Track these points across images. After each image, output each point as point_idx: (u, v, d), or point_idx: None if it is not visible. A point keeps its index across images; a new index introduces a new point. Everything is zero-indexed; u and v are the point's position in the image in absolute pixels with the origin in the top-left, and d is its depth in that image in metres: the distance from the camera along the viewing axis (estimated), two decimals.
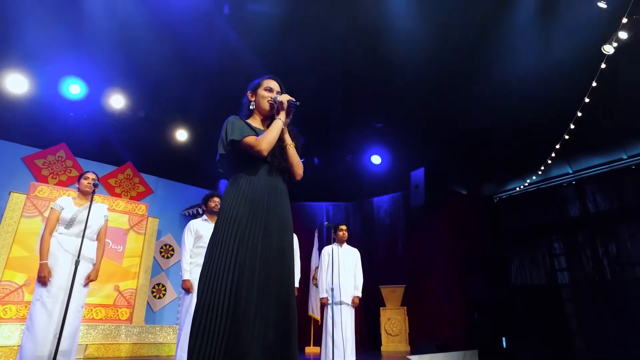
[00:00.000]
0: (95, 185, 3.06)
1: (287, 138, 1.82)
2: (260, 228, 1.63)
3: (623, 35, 3.81)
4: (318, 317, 6.36)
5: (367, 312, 6.86)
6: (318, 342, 5.97)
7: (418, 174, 6.64)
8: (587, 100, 4.47)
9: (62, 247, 2.99)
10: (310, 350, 6.39)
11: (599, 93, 4.34)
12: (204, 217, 3.80)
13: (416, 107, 5.67)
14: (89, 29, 4.27)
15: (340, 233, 4.34)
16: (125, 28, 4.33)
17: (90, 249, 3.15)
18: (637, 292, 5.07)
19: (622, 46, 3.84)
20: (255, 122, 1.88)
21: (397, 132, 6.48)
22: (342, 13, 4.29)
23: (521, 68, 4.55)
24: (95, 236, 3.25)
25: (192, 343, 1.45)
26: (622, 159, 5.55)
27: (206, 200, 3.83)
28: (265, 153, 1.69)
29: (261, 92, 1.88)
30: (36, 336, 2.73)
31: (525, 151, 5.85)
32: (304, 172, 1.86)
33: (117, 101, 5.45)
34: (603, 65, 4.01)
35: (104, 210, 3.36)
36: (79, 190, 3.25)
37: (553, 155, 5.58)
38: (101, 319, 5.23)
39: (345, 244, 4.37)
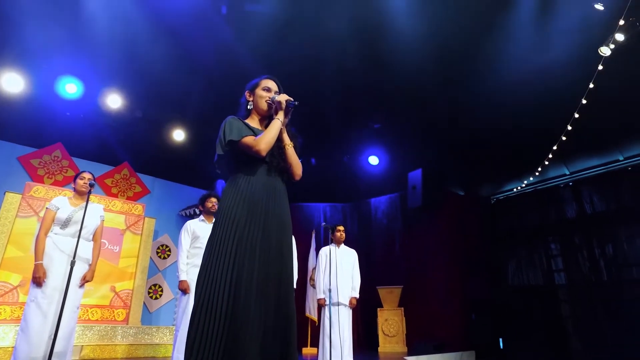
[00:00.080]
0: (91, 185, 3.04)
1: (286, 138, 1.81)
2: (259, 229, 1.62)
3: (620, 37, 3.83)
4: (315, 318, 6.35)
5: (364, 312, 6.86)
6: (315, 343, 5.95)
7: (415, 175, 6.64)
8: (584, 101, 4.48)
9: (58, 247, 2.97)
10: (308, 351, 6.38)
11: (595, 94, 4.36)
12: (201, 217, 3.79)
13: (414, 108, 5.67)
14: (86, 28, 4.25)
15: (338, 234, 4.34)
16: (123, 27, 4.31)
17: (86, 250, 3.12)
18: (633, 293, 5.08)
19: (619, 48, 3.86)
20: (254, 122, 1.87)
21: (394, 132, 6.48)
22: (340, 13, 4.28)
23: (519, 69, 4.56)
24: (91, 236, 3.22)
25: (190, 344, 1.44)
26: (618, 161, 5.57)
27: (203, 200, 3.82)
28: (264, 153, 1.68)
29: (259, 92, 1.87)
30: (31, 337, 2.71)
31: (523, 152, 5.87)
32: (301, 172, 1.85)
33: (114, 101, 5.43)
34: (600, 67, 4.02)
35: (100, 211, 3.34)
36: (74, 190, 3.23)
37: (550, 156, 5.60)
38: (97, 320, 5.20)
39: (342, 244, 4.37)
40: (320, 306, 4.12)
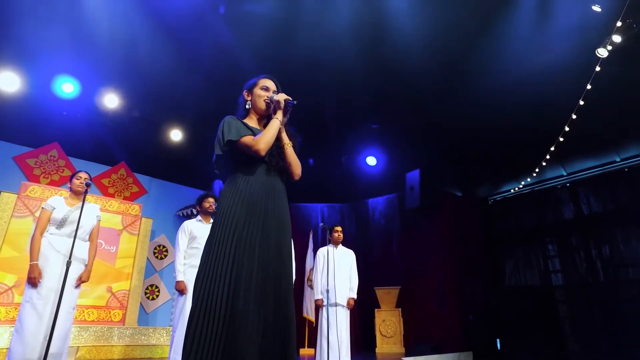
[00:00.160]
0: (87, 185, 3.01)
1: (285, 137, 1.80)
2: (258, 229, 1.61)
3: (617, 38, 3.84)
4: (313, 318, 6.34)
5: (361, 313, 6.85)
6: (312, 344, 5.94)
7: (413, 176, 6.65)
8: (581, 102, 4.50)
9: (53, 247, 2.95)
10: (305, 352, 6.36)
11: (593, 96, 4.37)
12: (199, 217, 3.77)
13: (412, 108, 5.68)
14: (83, 27, 4.22)
15: (336, 234, 4.33)
16: (121, 27, 4.29)
17: (82, 250, 3.10)
18: (629, 294, 5.10)
19: (616, 49, 3.87)
20: (252, 121, 1.86)
21: (392, 133, 6.48)
22: (338, 14, 4.28)
23: (516, 70, 4.57)
24: (87, 236, 3.20)
25: (188, 346, 1.43)
26: (615, 162, 5.59)
27: (200, 200, 3.80)
28: (263, 153, 1.67)
29: (257, 91, 1.86)
30: (25, 339, 2.68)
31: (520, 153, 5.88)
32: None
33: (111, 100, 5.40)
34: (598, 68, 4.03)
35: (96, 211, 3.32)
36: (71, 190, 3.21)
37: (547, 157, 5.61)
38: (93, 321, 5.17)
39: (340, 245, 4.36)
40: (318, 307, 4.11)
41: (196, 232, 3.63)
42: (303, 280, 6.66)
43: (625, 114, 4.77)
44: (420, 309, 6.37)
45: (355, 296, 4.18)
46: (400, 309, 6.36)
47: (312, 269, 6.36)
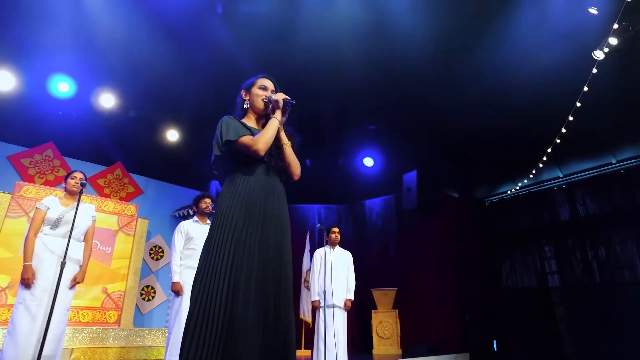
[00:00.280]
0: (82, 185, 2.98)
1: (284, 137, 1.79)
2: (257, 230, 1.59)
3: (613, 41, 3.86)
4: (309, 319, 6.32)
5: (358, 314, 6.84)
6: (309, 345, 5.92)
7: (410, 177, 6.65)
8: (578, 104, 4.51)
9: (48, 248, 2.92)
10: (301, 353, 6.34)
11: (589, 97, 4.39)
12: (195, 218, 3.75)
13: (409, 110, 5.68)
14: (79, 26, 4.19)
15: (333, 235, 4.32)
16: (117, 26, 4.26)
17: (76, 250, 3.07)
18: (625, 296, 5.12)
19: (613, 51, 3.89)
20: (250, 121, 1.85)
21: (389, 134, 6.48)
22: (336, 15, 4.27)
23: (513, 72, 4.58)
24: (82, 237, 3.17)
25: (185, 349, 1.40)
26: (611, 164, 5.62)
27: (197, 201, 3.78)
28: (262, 153, 1.65)
29: (255, 90, 1.85)
30: (18, 341, 2.65)
31: (517, 155, 5.90)
32: None
33: (107, 100, 5.36)
34: (594, 70, 4.05)
35: (92, 211, 3.29)
36: (65, 190, 3.17)
37: (544, 159, 5.63)
38: (88, 322, 5.12)
39: (337, 246, 4.35)
40: (315, 308, 4.09)
41: (192, 232, 3.61)
42: (300, 281, 6.64)
43: (621, 116, 4.80)
44: (417, 311, 6.36)
45: (352, 297, 4.17)
46: (397, 310, 6.35)
47: (308, 270, 6.34)
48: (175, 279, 3.46)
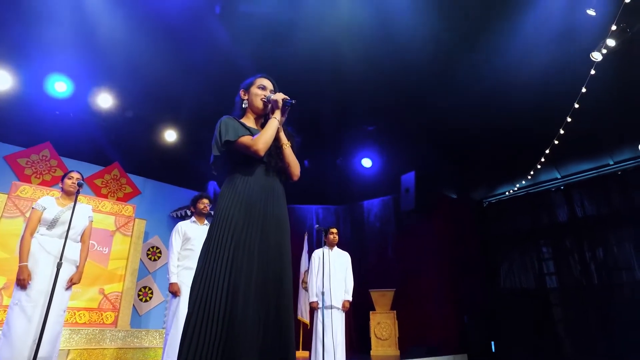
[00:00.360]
0: (79, 185, 2.96)
1: (283, 137, 1.78)
2: (256, 231, 1.58)
3: (611, 42, 3.87)
4: (307, 321, 6.31)
5: (356, 316, 6.82)
6: (307, 347, 5.90)
7: (409, 178, 6.65)
8: (576, 105, 4.52)
9: (44, 248, 2.89)
10: (299, 354, 6.32)
11: (588, 99, 4.40)
12: (193, 218, 3.73)
13: (408, 110, 5.68)
14: (77, 25, 4.17)
15: (331, 236, 4.31)
16: (115, 26, 4.24)
17: (73, 251, 3.05)
18: (623, 297, 5.13)
19: (611, 53, 3.90)
20: (249, 121, 1.84)
21: (388, 135, 6.48)
22: (334, 15, 4.27)
23: (512, 73, 4.59)
24: (79, 237, 3.15)
25: (185, 349, 1.38)
26: (608, 165, 5.63)
27: (195, 201, 3.77)
28: (261, 153, 1.64)
29: (254, 90, 1.83)
30: (13, 342, 2.62)
31: (515, 156, 5.91)
32: None
33: (104, 100, 5.34)
34: (592, 72, 4.06)
35: (89, 211, 3.27)
36: (62, 190, 3.15)
37: (542, 160, 5.64)
38: (85, 323, 5.09)
39: (335, 247, 4.34)
40: (313, 309, 4.08)
41: (190, 233, 3.59)
42: (297, 282, 6.63)
43: (619, 117, 4.81)
44: (415, 312, 6.35)
45: (350, 298, 4.16)
46: (395, 311, 6.34)
47: (306, 271, 6.33)
48: (173, 279, 3.44)
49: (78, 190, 2.93)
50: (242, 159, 1.69)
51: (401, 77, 4.96)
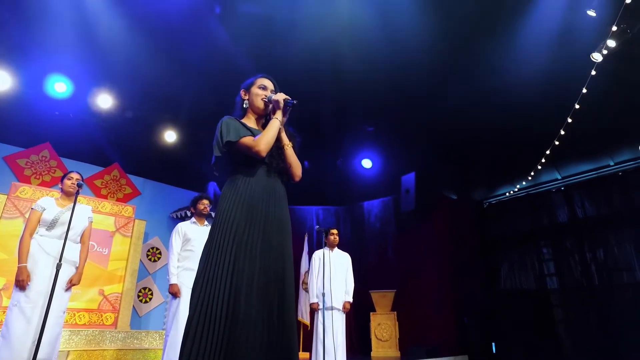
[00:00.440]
0: (79, 186, 2.95)
1: (284, 138, 1.77)
2: (258, 232, 1.57)
3: (611, 43, 3.87)
4: (307, 322, 6.30)
5: (357, 317, 6.81)
6: (307, 348, 5.89)
7: (409, 179, 6.64)
8: (577, 106, 4.52)
9: (43, 249, 2.88)
10: (300, 355, 6.31)
11: (588, 100, 4.40)
12: (193, 219, 3.72)
13: (407, 111, 5.67)
14: (76, 26, 4.16)
15: (332, 237, 4.30)
16: (115, 26, 4.24)
17: (73, 252, 3.04)
18: (623, 298, 5.12)
19: (611, 54, 3.90)
20: (250, 121, 1.83)
21: (388, 136, 6.47)
22: (334, 16, 4.26)
23: (512, 73, 4.58)
24: (78, 238, 3.14)
25: (186, 351, 1.37)
26: (609, 166, 5.63)
27: (195, 202, 3.76)
28: (263, 154, 1.63)
29: (255, 90, 1.83)
30: (12, 343, 2.61)
31: (515, 157, 5.90)
32: None
33: (104, 100, 5.33)
34: (593, 72, 4.06)
35: (88, 212, 3.26)
36: (62, 190, 3.14)
37: (542, 161, 5.63)
38: (84, 324, 5.07)
39: (336, 248, 4.33)
40: (314, 310, 4.07)
41: (190, 234, 3.59)
42: (298, 283, 6.62)
43: (619, 118, 4.81)
44: (415, 313, 6.34)
45: (351, 299, 4.15)
46: (395, 312, 6.33)
47: (307, 272, 6.32)
48: (173, 280, 3.43)
49: (78, 191, 2.92)
50: (243, 159, 1.68)
51: (401, 77, 4.95)
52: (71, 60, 4.74)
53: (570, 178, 6.01)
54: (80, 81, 5.11)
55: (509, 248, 6.59)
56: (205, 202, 3.74)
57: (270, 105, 1.77)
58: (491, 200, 7.08)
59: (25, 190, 5.10)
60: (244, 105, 1.85)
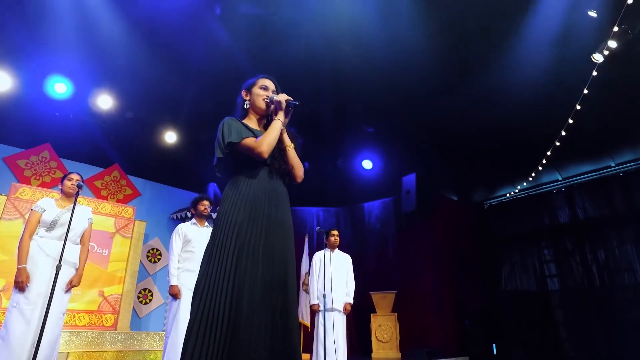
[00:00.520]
0: (79, 187, 2.94)
1: (286, 139, 1.76)
2: (260, 234, 1.56)
3: (613, 44, 3.86)
4: (308, 323, 6.28)
5: (357, 318, 6.79)
6: (307, 349, 5.87)
7: (409, 180, 6.63)
8: (578, 107, 4.51)
9: (43, 250, 2.87)
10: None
11: (589, 100, 4.39)
12: (193, 220, 3.71)
13: (408, 112, 5.67)
14: (77, 27, 4.16)
15: (332, 238, 4.29)
16: (115, 27, 4.23)
17: (73, 253, 3.02)
18: (624, 299, 5.11)
19: (612, 55, 3.89)
20: (251, 122, 1.82)
21: (388, 137, 6.47)
22: (334, 16, 4.26)
23: (513, 74, 4.58)
24: (78, 239, 3.13)
25: (188, 353, 1.36)
26: (610, 167, 5.62)
27: (195, 203, 3.75)
28: (265, 155, 1.62)
29: (256, 90, 1.81)
30: (12, 345, 2.60)
31: (516, 158, 5.89)
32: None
33: (104, 101, 5.32)
34: (594, 73, 4.05)
35: (88, 213, 3.25)
36: (62, 191, 3.14)
37: (543, 162, 5.62)
38: (84, 326, 5.06)
39: (337, 249, 4.32)
40: (314, 312, 4.05)
41: (190, 235, 3.57)
42: (298, 284, 6.61)
43: (620, 119, 4.80)
44: (416, 314, 6.32)
45: (351, 301, 4.14)
46: (396, 313, 6.31)
47: (307, 273, 6.30)
48: (173, 282, 3.42)
49: (78, 192, 2.90)
50: (245, 160, 1.67)
51: (402, 78, 4.94)
52: (71, 61, 4.73)
53: (571, 179, 6.00)
54: (80, 82, 5.10)
55: (509, 249, 6.58)
56: (206, 203, 3.73)
57: (272, 106, 1.76)
58: (492, 201, 7.07)
59: (25, 191, 5.09)
60: (245, 106, 1.84)
